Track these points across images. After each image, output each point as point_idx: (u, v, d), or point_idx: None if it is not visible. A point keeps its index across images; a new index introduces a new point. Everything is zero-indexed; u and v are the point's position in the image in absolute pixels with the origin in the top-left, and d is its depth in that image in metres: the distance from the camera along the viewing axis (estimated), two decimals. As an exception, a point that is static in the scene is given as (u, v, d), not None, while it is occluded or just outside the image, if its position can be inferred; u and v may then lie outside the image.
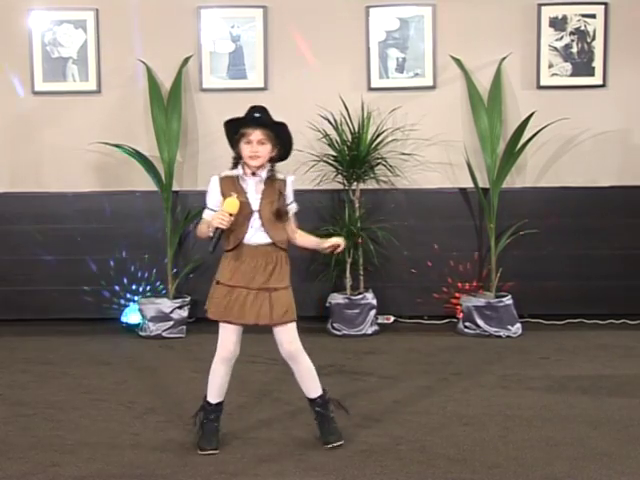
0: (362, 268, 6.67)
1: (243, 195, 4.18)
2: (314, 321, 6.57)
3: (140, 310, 6.61)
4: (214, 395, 4.29)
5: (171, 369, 5.64)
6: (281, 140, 4.23)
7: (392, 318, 6.90)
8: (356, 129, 6.57)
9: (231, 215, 4.08)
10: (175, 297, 6.66)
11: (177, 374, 5.50)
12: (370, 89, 6.81)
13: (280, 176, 4.27)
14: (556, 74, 6.79)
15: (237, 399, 4.90)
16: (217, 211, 4.15)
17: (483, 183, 6.71)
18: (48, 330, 6.68)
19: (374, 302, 6.56)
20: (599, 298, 6.84)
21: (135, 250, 6.87)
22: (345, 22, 6.80)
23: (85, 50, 6.82)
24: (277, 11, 6.80)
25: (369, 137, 6.57)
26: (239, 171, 4.25)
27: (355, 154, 6.48)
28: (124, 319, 6.76)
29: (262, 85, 6.80)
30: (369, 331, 6.54)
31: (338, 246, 4.34)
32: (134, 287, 6.90)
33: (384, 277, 6.83)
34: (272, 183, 4.23)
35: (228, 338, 4.26)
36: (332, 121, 6.60)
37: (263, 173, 4.23)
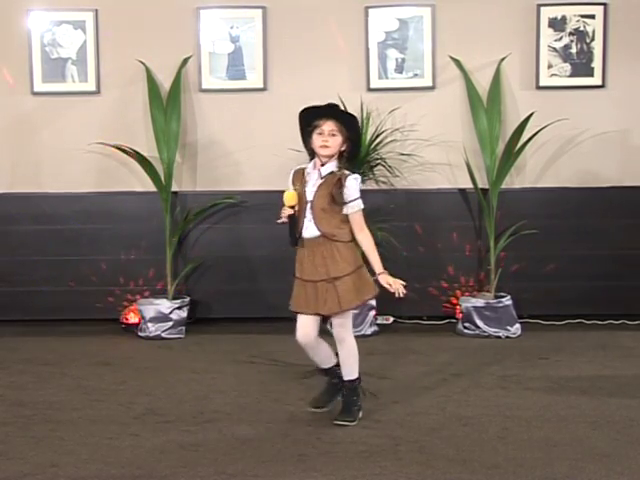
0: (361, 269, 6.67)
1: (302, 186, 4.40)
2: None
3: (139, 311, 6.61)
4: (319, 364, 4.63)
5: (170, 370, 5.63)
6: (351, 135, 4.42)
7: (391, 319, 6.90)
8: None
9: (292, 207, 4.32)
10: (174, 298, 6.66)
11: (176, 375, 5.50)
12: (369, 89, 6.81)
13: (344, 172, 4.44)
14: (555, 74, 6.79)
15: (236, 399, 4.90)
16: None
17: (482, 183, 6.71)
18: (47, 331, 6.68)
19: (373, 302, 6.55)
20: (599, 298, 6.83)
21: (134, 251, 6.87)
22: (344, 22, 6.80)
23: (84, 51, 6.81)
24: (276, 12, 6.80)
25: (368, 138, 6.56)
26: (308, 164, 4.46)
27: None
28: (123, 320, 6.75)
29: (261, 86, 6.80)
30: (368, 332, 6.54)
31: (395, 289, 4.48)
32: (133, 288, 6.90)
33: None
34: (332, 176, 4.41)
35: (299, 328, 4.48)
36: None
37: (329, 167, 4.41)
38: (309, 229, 4.41)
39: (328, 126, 4.37)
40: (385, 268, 4.52)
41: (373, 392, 4.85)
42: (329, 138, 4.37)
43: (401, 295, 4.48)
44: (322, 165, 4.43)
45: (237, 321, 6.88)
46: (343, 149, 4.44)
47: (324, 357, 4.60)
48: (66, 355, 6.02)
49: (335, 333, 4.57)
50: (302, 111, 4.48)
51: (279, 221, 4.43)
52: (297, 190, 4.38)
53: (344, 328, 4.54)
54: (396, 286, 4.47)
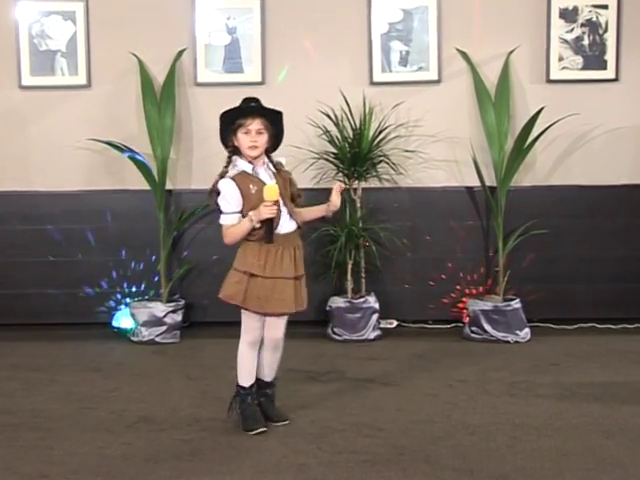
0: (364, 270, 6.68)
1: (261, 185, 4.38)
2: (314, 326, 6.57)
3: (132, 314, 6.61)
4: (247, 379, 4.60)
5: (164, 376, 5.64)
6: (275, 129, 4.47)
7: (395, 322, 6.91)
8: (357, 125, 6.58)
9: (275, 202, 4.32)
10: (168, 301, 6.67)
11: (171, 381, 5.51)
12: (372, 83, 6.82)
13: (283, 169, 4.54)
14: (566, 67, 6.80)
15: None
16: (239, 212, 4.41)
17: (490, 181, 6.71)
18: (36, 335, 6.68)
19: (376, 306, 6.57)
20: (612, 301, 6.84)
21: (127, 252, 6.87)
22: (346, 13, 6.81)
23: (74, 43, 6.82)
24: (275, 2, 6.81)
25: (371, 133, 6.57)
26: (246, 165, 4.44)
27: (356, 151, 6.49)
28: (115, 324, 6.76)
29: (259, 79, 6.80)
30: (371, 336, 6.54)
31: (342, 189, 4.55)
32: (126, 290, 6.91)
33: (387, 280, 6.84)
34: (280, 175, 4.48)
35: (256, 326, 4.54)
36: (332, 117, 6.60)
37: (267, 161, 4.48)
38: (287, 224, 4.45)
39: (255, 125, 4.40)
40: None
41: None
42: (257, 137, 4.40)
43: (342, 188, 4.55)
44: (249, 162, 4.45)
45: (234, 325, 6.86)
46: (268, 144, 4.48)
47: (256, 368, 4.64)
48: (56, 361, 6.03)
49: (276, 336, 4.55)
50: (225, 112, 4.49)
51: (267, 216, 4.31)
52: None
53: (283, 330, 4.58)
54: (336, 192, 4.52)
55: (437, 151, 6.81)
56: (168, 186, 6.77)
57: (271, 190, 4.32)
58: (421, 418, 4.74)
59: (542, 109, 6.42)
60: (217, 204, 4.48)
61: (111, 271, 6.89)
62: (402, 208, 6.84)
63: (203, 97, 6.86)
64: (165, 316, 6.55)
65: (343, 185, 4.62)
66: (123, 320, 6.73)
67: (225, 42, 6.84)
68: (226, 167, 4.49)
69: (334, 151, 6.58)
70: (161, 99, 6.69)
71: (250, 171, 4.43)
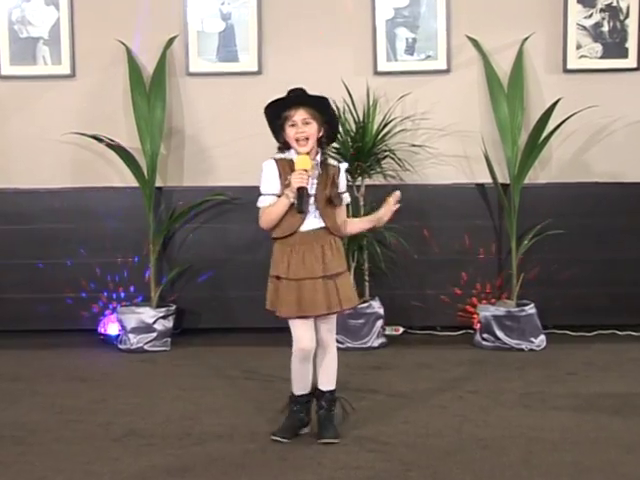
0: (367, 273, 6.68)
1: None
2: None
3: (119, 320, 6.62)
4: (297, 388, 4.63)
5: (154, 386, 5.64)
6: (326, 117, 4.49)
7: (401, 329, 6.91)
8: (361, 118, 6.58)
9: (306, 171, 4.34)
10: (159, 306, 6.67)
11: (161, 392, 5.51)
12: (376, 73, 6.82)
13: (333, 162, 4.59)
14: (585, 56, 6.80)
15: (230, 420, 4.91)
16: (276, 195, 4.43)
17: (503, 178, 6.72)
18: (17, 343, 6.68)
19: (381, 311, 6.57)
20: (633, 307, 6.84)
21: (114, 253, 6.87)
22: (348, -2, 6.83)
23: (57, 29, 6.82)
24: (272, -14, 6.83)
25: (375, 127, 6.58)
26: (294, 155, 4.46)
27: (360, 146, 6.49)
28: (102, 330, 6.76)
29: (256, 69, 6.81)
30: (375, 344, 6.55)
31: (398, 199, 4.65)
32: (113, 294, 6.91)
33: (392, 283, 6.84)
34: (326, 168, 4.51)
35: (303, 335, 4.52)
36: (334, 109, 6.59)
37: (317, 157, 4.49)
38: (311, 222, 4.47)
39: (300, 115, 4.42)
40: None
41: (354, 406, 4.86)
42: (305, 128, 4.43)
43: (397, 195, 4.64)
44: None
45: (229, 332, 6.89)
46: (320, 135, 4.49)
47: (309, 379, 4.66)
48: (38, 370, 6.03)
49: (322, 338, 4.58)
50: (267, 106, 4.51)
51: (297, 185, 4.32)
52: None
53: (331, 333, 4.63)
54: (391, 203, 4.63)
55: (446, 146, 6.82)
56: (158, 183, 6.78)
57: (302, 160, 4.38)
58: (429, 431, 4.74)
59: (558, 101, 6.43)
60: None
61: (97, 274, 6.89)
62: (408, 207, 6.78)
63: (195, 88, 6.87)
64: (155, 322, 6.55)
65: (399, 194, 4.64)
66: (110, 327, 6.73)
67: (219, 29, 6.85)
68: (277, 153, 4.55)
69: (336, 146, 6.57)
70: (150, 90, 6.70)
71: (294, 159, 4.47)
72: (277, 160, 4.49)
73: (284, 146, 4.51)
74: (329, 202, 4.49)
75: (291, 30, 6.83)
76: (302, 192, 4.34)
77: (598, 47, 6.79)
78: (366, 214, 6.59)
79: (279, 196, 4.44)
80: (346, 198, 4.64)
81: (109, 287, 6.91)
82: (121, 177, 6.81)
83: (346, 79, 6.58)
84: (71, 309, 6.90)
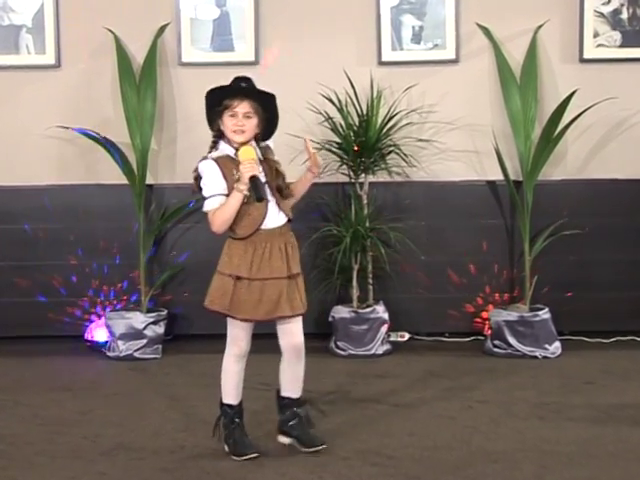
0: (371, 276, 6.68)
1: None
2: (314, 339, 6.53)
3: (107, 326, 6.62)
4: (236, 395, 4.64)
5: (144, 396, 5.64)
6: (268, 115, 4.49)
7: (407, 335, 6.91)
8: (364, 111, 6.58)
9: (254, 160, 4.36)
10: (149, 311, 6.67)
11: (151, 402, 5.51)
12: (381, 63, 6.83)
13: (271, 156, 4.57)
14: (602, 45, 6.80)
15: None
16: (224, 195, 4.41)
17: (515, 175, 6.72)
18: (-2, 350, 6.70)
19: (385, 316, 6.57)
20: (654, 311, 6.86)
21: (102, 255, 6.88)
22: (351, -17, 6.83)
23: (42, 16, 6.83)
24: (270, -30, 6.83)
25: (379, 120, 6.58)
26: (229, 150, 4.48)
27: (363, 141, 6.49)
28: (88, 337, 6.76)
29: (252, 58, 6.81)
30: (380, 351, 6.55)
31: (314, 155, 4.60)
32: (100, 298, 6.91)
33: (397, 286, 6.84)
34: (267, 164, 4.52)
35: (245, 335, 4.60)
36: (336, 101, 6.61)
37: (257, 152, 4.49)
38: (274, 216, 4.48)
39: (243, 108, 4.43)
40: None
41: (323, 409, 4.94)
42: (244, 121, 4.44)
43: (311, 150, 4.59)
44: (234, 148, 4.49)
45: (223, 338, 6.88)
46: (258, 130, 4.51)
47: (242, 384, 4.68)
48: (20, 379, 6.03)
49: (296, 342, 4.58)
50: (210, 91, 4.52)
51: (249, 174, 4.31)
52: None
53: (302, 335, 4.61)
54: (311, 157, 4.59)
55: (455, 140, 6.82)
56: (149, 180, 6.78)
57: (246, 150, 4.38)
58: (437, 444, 4.74)
59: (574, 92, 6.42)
60: (200, 190, 4.52)
61: (84, 277, 6.90)
62: (415, 205, 6.84)
63: (188, 79, 6.87)
64: (145, 328, 6.55)
65: (308, 140, 4.65)
66: (97, 333, 6.73)
67: (213, 16, 6.85)
68: (209, 152, 4.55)
69: (337, 140, 6.59)
70: (140, 81, 6.70)
71: (233, 155, 4.46)
72: (216, 159, 4.48)
73: (217, 134, 4.53)
74: (282, 195, 4.51)
75: (290, 18, 6.83)
76: (256, 181, 4.34)
77: (617, 35, 6.79)
78: (370, 214, 6.61)
79: (226, 195, 4.43)
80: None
81: (96, 291, 6.91)
82: (109, 174, 6.80)
83: (348, 70, 6.58)
84: (56, 314, 6.90)
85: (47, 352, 6.65)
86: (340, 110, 6.60)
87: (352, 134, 6.55)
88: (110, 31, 6.74)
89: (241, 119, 4.42)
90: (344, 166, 6.62)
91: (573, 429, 4.95)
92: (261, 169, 4.45)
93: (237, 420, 4.60)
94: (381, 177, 6.70)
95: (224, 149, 4.50)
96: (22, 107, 6.87)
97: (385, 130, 6.59)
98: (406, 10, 6.81)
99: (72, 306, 6.91)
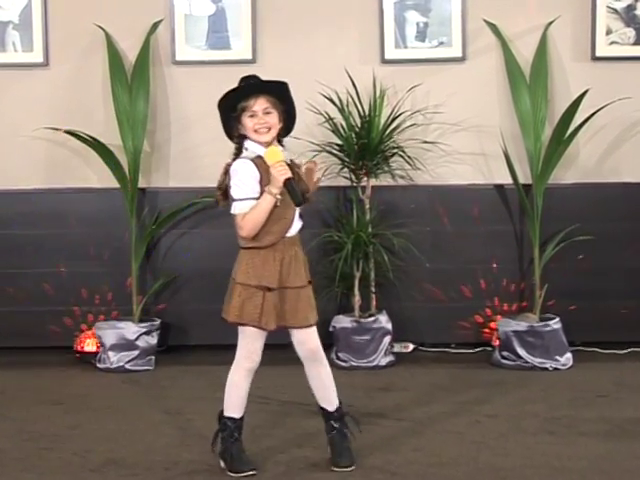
0: (374, 284, 6.68)
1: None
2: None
3: (98, 337, 6.62)
4: (239, 410, 4.61)
5: (137, 410, 5.64)
6: (285, 106, 4.51)
7: (411, 346, 6.92)
8: (366, 112, 6.59)
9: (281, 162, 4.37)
10: (141, 320, 6.68)
11: (144, 416, 5.51)
12: (384, 62, 6.84)
13: (292, 160, 4.59)
14: (615, 42, 6.81)
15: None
16: (253, 199, 4.40)
17: (524, 178, 6.72)
18: (-17, 362, 6.70)
19: (389, 326, 6.57)
20: (670, 321, 6.86)
21: (92, 262, 6.88)
22: (353, -22, 6.85)
23: (29, 12, 6.83)
24: (268, -35, 6.85)
25: (382, 121, 6.58)
26: (260, 149, 4.45)
27: (365, 142, 6.50)
28: (78, 348, 6.76)
29: (249, 57, 6.82)
30: (382, 362, 6.55)
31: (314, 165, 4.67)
32: (91, 308, 6.91)
33: (401, 295, 6.84)
34: (291, 165, 4.51)
35: (258, 349, 4.56)
36: (337, 102, 6.61)
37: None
38: (296, 225, 4.52)
39: (260, 104, 4.42)
40: None
41: (359, 425, 4.81)
42: (266, 118, 4.43)
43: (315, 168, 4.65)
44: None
45: (219, 349, 6.88)
46: (280, 126, 4.52)
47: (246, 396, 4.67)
48: (6, 392, 6.04)
49: (313, 349, 4.59)
50: (221, 98, 4.50)
51: (284, 177, 4.31)
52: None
53: (319, 342, 4.62)
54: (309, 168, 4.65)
55: (461, 142, 6.83)
56: (141, 184, 6.78)
57: (274, 151, 4.38)
58: (442, 460, 4.74)
59: (586, 92, 6.43)
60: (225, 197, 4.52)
61: (73, 285, 6.90)
62: (419, 210, 6.85)
63: (182, 78, 6.88)
64: (137, 338, 6.55)
65: (316, 162, 4.73)
66: (87, 343, 6.73)
67: (209, 12, 6.86)
68: (236, 154, 4.51)
69: (339, 142, 6.59)
70: (132, 80, 6.70)
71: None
72: (254, 160, 4.43)
73: (239, 140, 4.50)
74: (305, 200, 4.50)
75: (289, 14, 6.84)
76: (291, 183, 4.34)
77: (630, 32, 6.81)
78: (373, 219, 6.61)
79: (257, 198, 4.41)
80: None
81: (86, 300, 6.91)
82: (100, 177, 6.81)
83: (350, 68, 6.58)
84: (44, 324, 6.90)
85: (34, 364, 6.65)
86: (341, 111, 6.60)
87: (354, 136, 6.56)
88: (101, 28, 6.75)
89: (262, 116, 4.41)
90: (345, 169, 6.62)
91: (585, 444, 4.94)
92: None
93: (236, 435, 4.58)
94: (384, 180, 6.70)
95: (254, 149, 4.46)
96: (8, 107, 6.88)
97: (388, 131, 6.59)
98: (410, 6, 6.82)
99: (61, 315, 6.91)
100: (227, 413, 4.60)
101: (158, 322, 6.71)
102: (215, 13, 6.85)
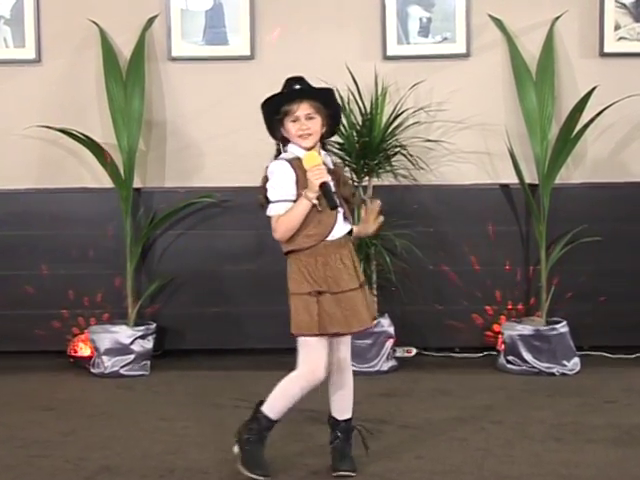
0: (376, 287, 6.68)
1: None
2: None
3: (92, 341, 6.62)
4: (280, 414, 4.58)
5: (132, 416, 5.64)
6: (330, 111, 4.52)
7: (414, 350, 6.91)
8: (368, 109, 6.59)
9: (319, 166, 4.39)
10: (137, 324, 6.67)
11: (139, 422, 5.51)
12: (386, 58, 6.84)
13: (334, 159, 4.68)
14: (624, 38, 6.81)
15: (216, 454, 4.90)
16: (292, 201, 4.41)
17: (531, 178, 6.73)
18: (-28, 366, 6.70)
19: (391, 330, 6.57)
20: (680, 325, 6.85)
21: (86, 264, 6.88)
22: (354, -28, 6.85)
23: (21, 7, 6.84)
24: (267, -42, 6.85)
25: (384, 119, 6.58)
26: (300, 152, 4.47)
27: (367, 141, 6.50)
28: (71, 352, 6.76)
29: (248, 53, 6.82)
30: (384, 367, 6.55)
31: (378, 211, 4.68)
32: (84, 311, 6.91)
33: (404, 298, 6.84)
34: (332, 167, 4.57)
35: (322, 360, 4.49)
36: (337, 99, 6.60)
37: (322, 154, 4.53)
38: (341, 227, 4.51)
39: (303, 110, 4.43)
40: None
41: (371, 432, 4.84)
42: (308, 123, 4.44)
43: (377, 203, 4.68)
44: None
45: (216, 354, 6.89)
46: (324, 130, 4.53)
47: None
48: (-2, 397, 6.04)
49: (341, 358, 4.60)
50: (265, 100, 4.50)
51: (320, 181, 4.34)
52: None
53: (349, 352, 4.65)
54: (371, 213, 4.68)
55: (465, 141, 6.82)
56: (136, 184, 6.78)
57: (312, 156, 4.39)
58: (446, 468, 4.73)
59: (594, 89, 6.43)
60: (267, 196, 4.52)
61: (66, 287, 6.90)
62: (422, 210, 6.85)
63: (179, 75, 6.87)
64: (132, 343, 6.55)
65: (379, 203, 4.70)
66: (80, 348, 6.73)
67: (206, 7, 6.86)
68: (276, 155, 4.55)
69: (339, 141, 6.58)
70: (127, 77, 6.70)
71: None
72: (291, 161, 4.46)
73: (282, 142, 4.53)
74: (348, 203, 4.56)
75: (288, 9, 6.85)
76: (327, 187, 4.36)
77: (639, 28, 6.80)
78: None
79: (294, 201, 4.43)
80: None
81: (80, 303, 6.91)
82: (94, 177, 6.81)
83: (351, 65, 6.58)
84: (37, 328, 6.90)
85: (26, 368, 6.65)
86: (342, 108, 6.60)
87: (355, 134, 6.56)
88: (94, 23, 6.75)
89: (304, 122, 4.43)
90: (346, 168, 6.61)
91: (593, 452, 4.94)
92: (329, 177, 4.47)
93: (264, 434, 4.57)
94: (386, 180, 6.70)
95: (294, 150, 4.49)
96: (0, 105, 6.88)
97: (390, 130, 6.59)
98: (413, 0, 6.82)
99: (53, 319, 6.91)
100: (266, 410, 4.57)
101: (154, 326, 6.71)
102: (212, 8, 6.85)
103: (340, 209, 4.47)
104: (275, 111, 4.47)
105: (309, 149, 4.45)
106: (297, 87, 4.48)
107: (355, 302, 4.47)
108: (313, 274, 4.45)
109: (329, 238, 4.45)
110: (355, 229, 4.62)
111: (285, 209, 4.42)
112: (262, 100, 4.49)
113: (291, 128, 4.45)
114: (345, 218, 4.51)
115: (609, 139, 6.84)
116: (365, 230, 4.67)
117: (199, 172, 6.90)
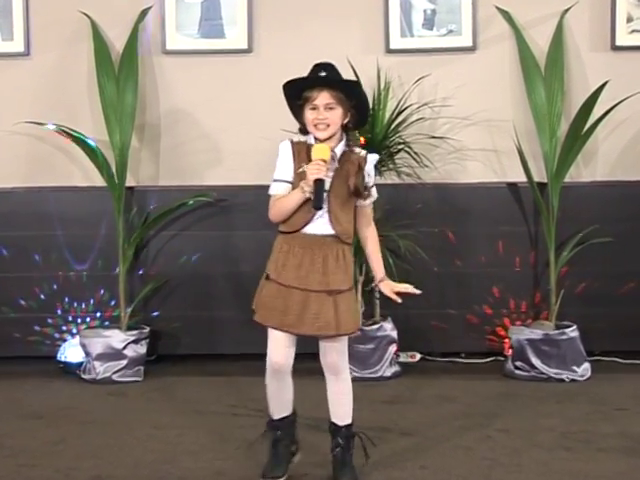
0: (378, 289, 6.68)
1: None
2: (314, 359, 6.53)
3: (83, 345, 6.62)
4: (276, 411, 4.65)
5: (124, 424, 5.64)
6: (356, 102, 4.50)
7: (418, 356, 6.92)
8: (370, 105, 6.58)
9: (325, 162, 4.35)
10: (129, 328, 6.68)
11: (132, 430, 5.50)
12: (389, 51, 6.84)
13: (360, 150, 4.60)
14: (636, 31, 6.81)
15: (214, 463, 4.90)
16: (289, 182, 4.45)
17: (539, 176, 6.73)
18: (-41, 372, 6.70)
19: (394, 334, 6.58)
20: (694, 329, 6.86)
21: (76, 265, 6.88)
22: (355, -38, 6.85)
23: (10, -1, 6.86)
24: (265, -52, 6.85)
25: (387, 115, 6.59)
26: (312, 139, 4.49)
27: (369, 137, 6.49)
28: (61, 358, 6.76)
29: (245, 46, 6.82)
30: (387, 373, 6.56)
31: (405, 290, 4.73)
32: (75, 314, 6.91)
33: (407, 301, 6.81)
34: (349, 158, 4.53)
35: (277, 348, 4.54)
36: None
37: (339, 145, 4.50)
38: (317, 225, 4.47)
39: (323, 99, 4.42)
40: None
41: (372, 440, 4.80)
42: (326, 114, 4.43)
43: (417, 292, 4.71)
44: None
45: (212, 359, 6.89)
46: (346, 120, 4.51)
47: (289, 398, 4.67)
48: (-16, 405, 6.04)
49: (329, 362, 4.60)
50: (286, 82, 4.51)
51: (313, 177, 4.33)
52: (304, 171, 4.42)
53: (342, 355, 4.61)
54: (404, 290, 4.72)
55: (471, 137, 6.83)
56: (129, 182, 6.79)
57: (320, 148, 4.38)
58: (451, 478, 4.73)
59: (605, 84, 6.43)
60: None
61: (56, 290, 6.90)
62: (427, 210, 6.85)
63: (173, 69, 6.88)
64: (125, 348, 6.55)
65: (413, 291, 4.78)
66: (71, 353, 6.73)
67: (201, -2, 6.88)
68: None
69: (340, 138, 6.60)
70: (120, 71, 6.70)
71: (312, 146, 4.47)
72: (293, 142, 4.51)
73: (303, 128, 4.53)
74: (354, 194, 4.52)
75: (287, 1, 6.84)
76: (319, 185, 4.35)
77: (652, 20, 6.82)
78: (377, 220, 6.60)
79: (291, 183, 4.46)
80: (374, 194, 4.69)
81: (70, 306, 6.91)
82: (85, 175, 6.82)
83: (353, 58, 6.57)
84: (24, 332, 6.90)
85: (14, 374, 6.65)
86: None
87: (357, 130, 6.55)
88: (86, 15, 6.76)
89: (322, 112, 4.42)
90: (347, 166, 6.62)
91: (604, 461, 4.94)
92: (331, 174, 4.45)
93: (278, 435, 4.63)
94: (389, 178, 6.70)
95: (310, 137, 4.50)
96: (-13, 100, 6.90)
97: (394, 126, 6.60)
98: (417, -8, 6.84)
99: (42, 323, 6.91)
100: (270, 414, 4.67)
101: (147, 330, 6.71)
102: (208, -1, 6.87)
103: (326, 214, 4.45)
104: (297, 96, 4.47)
105: (323, 140, 4.44)
106: (321, 74, 4.46)
107: (300, 302, 4.44)
108: (278, 260, 4.50)
109: (307, 231, 4.45)
110: (381, 284, 4.73)
111: (282, 190, 4.47)
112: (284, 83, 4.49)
113: (309, 116, 4.44)
114: (330, 220, 4.47)
115: (621, 136, 6.84)
116: (386, 290, 4.72)
117: (195, 170, 6.90)
